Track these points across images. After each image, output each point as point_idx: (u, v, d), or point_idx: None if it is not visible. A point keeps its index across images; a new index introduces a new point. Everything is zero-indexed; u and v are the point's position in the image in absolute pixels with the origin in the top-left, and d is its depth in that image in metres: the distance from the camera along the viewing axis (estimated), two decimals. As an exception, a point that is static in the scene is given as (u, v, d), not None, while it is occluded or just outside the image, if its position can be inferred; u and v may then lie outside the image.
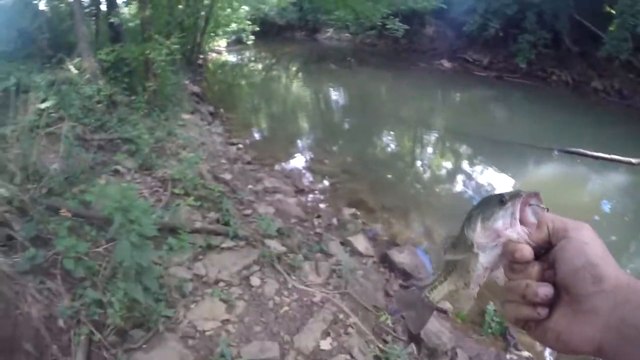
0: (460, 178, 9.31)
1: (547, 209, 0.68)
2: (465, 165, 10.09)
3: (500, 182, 8.79)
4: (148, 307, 3.31)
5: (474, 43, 19.55)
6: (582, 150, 9.66)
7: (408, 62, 20.72)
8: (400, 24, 14.77)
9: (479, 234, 0.71)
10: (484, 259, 0.71)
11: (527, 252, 0.64)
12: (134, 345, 3.46)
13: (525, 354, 4.40)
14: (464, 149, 11.02)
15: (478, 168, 9.76)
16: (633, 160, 9.25)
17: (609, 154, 9.38)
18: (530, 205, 0.69)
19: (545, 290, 0.62)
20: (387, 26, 15.03)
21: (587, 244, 0.61)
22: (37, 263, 3.77)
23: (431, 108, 15.06)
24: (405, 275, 5.32)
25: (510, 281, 0.67)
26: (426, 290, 0.85)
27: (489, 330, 4.61)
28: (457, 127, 12.01)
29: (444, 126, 12.70)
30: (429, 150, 11.27)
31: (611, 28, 14.87)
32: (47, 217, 4.27)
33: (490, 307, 4.69)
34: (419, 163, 10.24)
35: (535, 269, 0.64)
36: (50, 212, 4.39)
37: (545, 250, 0.65)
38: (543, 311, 0.62)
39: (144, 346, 3.49)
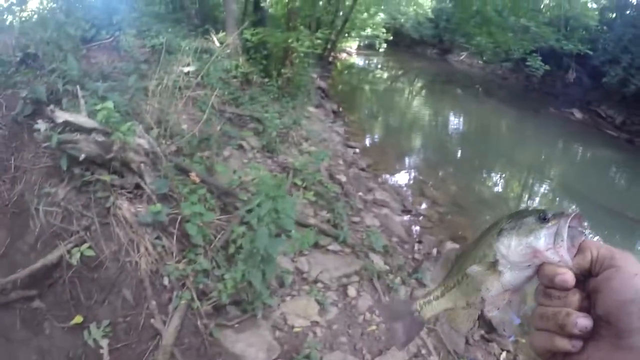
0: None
1: (585, 233, 0.62)
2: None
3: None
4: (256, 292, 3.31)
5: (610, 97, 17.67)
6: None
7: (536, 103, 19.44)
8: (541, 63, 13.95)
9: (513, 251, 0.63)
10: (509, 279, 0.64)
11: (570, 278, 0.59)
12: (227, 322, 3.51)
13: None
14: (572, 209, 10.16)
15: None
16: None
17: None
18: (570, 227, 0.61)
19: (585, 322, 0.57)
20: (528, 63, 14.26)
21: (637, 275, 0.55)
22: (159, 219, 3.91)
23: (549, 157, 14.10)
24: (489, 327, 5.04)
25: (544, 307, 0.61)
26: (417, 304, 0.79)
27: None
28: (571, 185, 11.24)
29: (557, 180, 11.85)
30: (537, 200, 10.55)
31: None
32: (175, 175, 4.45)
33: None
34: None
35: (576, 297, 0.59)
36: (177, 170, 4.58)
37: (583, 278, 0.60)
38: (578, 344, 0.57)
39: (236, 325, 3.54)
